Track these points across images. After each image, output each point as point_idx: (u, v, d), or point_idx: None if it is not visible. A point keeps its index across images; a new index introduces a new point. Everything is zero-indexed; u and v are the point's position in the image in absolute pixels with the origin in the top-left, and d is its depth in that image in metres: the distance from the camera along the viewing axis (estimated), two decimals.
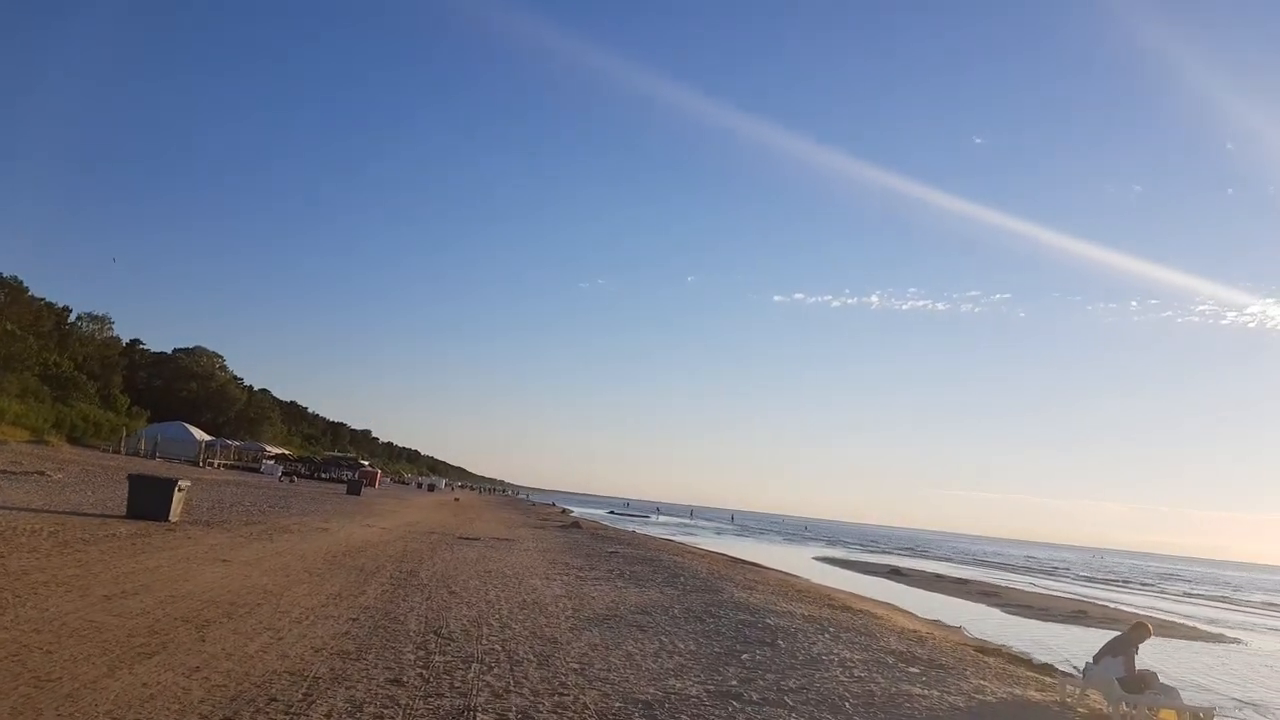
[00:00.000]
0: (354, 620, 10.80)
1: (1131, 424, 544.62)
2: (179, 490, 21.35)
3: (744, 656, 11.10)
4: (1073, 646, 21.81)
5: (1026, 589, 46.35)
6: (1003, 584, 47.86)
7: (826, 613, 17.75)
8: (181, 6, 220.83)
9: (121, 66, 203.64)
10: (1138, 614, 36.32)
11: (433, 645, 9.78)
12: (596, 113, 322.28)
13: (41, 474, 31.93)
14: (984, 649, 17.19)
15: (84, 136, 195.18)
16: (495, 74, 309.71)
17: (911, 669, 11.78)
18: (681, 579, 21.35)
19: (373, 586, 14.12)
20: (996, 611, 30.20)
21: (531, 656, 9.72)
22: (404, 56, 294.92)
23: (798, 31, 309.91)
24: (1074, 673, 13.35)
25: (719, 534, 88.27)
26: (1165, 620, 34.35)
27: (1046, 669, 15.88)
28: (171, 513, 20.96)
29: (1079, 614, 32.24)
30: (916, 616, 23.74)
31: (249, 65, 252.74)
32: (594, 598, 15.77)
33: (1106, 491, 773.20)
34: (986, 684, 11.51)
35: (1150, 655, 19.05)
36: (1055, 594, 44.12)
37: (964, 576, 52.05)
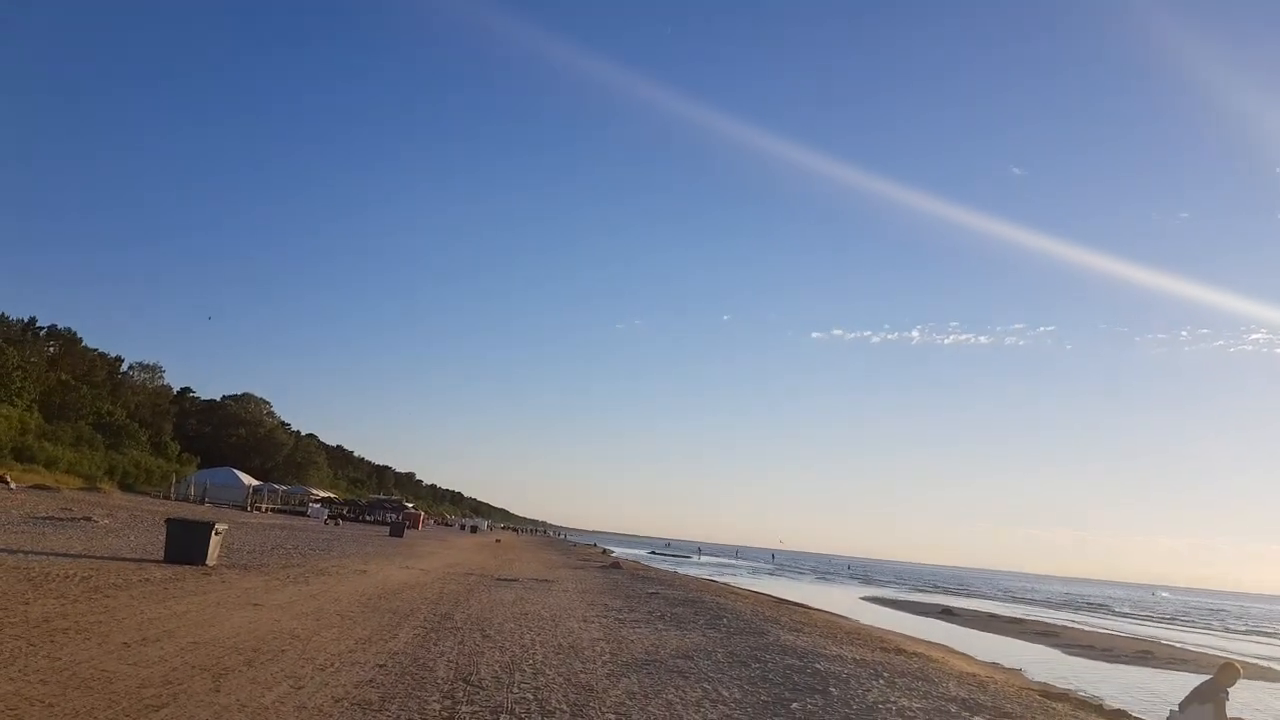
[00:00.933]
0: (380, 667, 10.33)
1: (1183, 456, 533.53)
2: (216, 534, 21.05)
3: (793, 705, 10.43)
4: (1142, 690, 20.88)
5: (1085, 628, 44.86)
6: (1059, 623, 46.45)
7: (879, 656, 17.00)
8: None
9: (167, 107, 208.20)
10: (1205, 653, 35.08)
11: (460, 694, 9.28)
12: (632, 145, 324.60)
13: (89, 520, 31.96)
14: (1049, 693, 16.39)
15: (127, 189, 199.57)
16: (538, 110, 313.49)
17: (976, 718, 11.08)
18: (724, 621, 20.69)
19: (405, 630, 13.67)
20: (1057, 653, 29.09)
21: (565, 707, 9.16)
22: (458, 99, 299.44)
23: (837, 56, 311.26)
24: None
25: (757, 574, 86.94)
26: (1240, 660, 33.04)
27: (1119, 715, 15.11)
28: (209, 556, 20.67)
29: (1144, 654, 31.02)
30: (973, 659, 22.83)
31: (309, 106, 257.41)
32: (633, 641, 15.18)
33: (1157, 525, 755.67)
34: None
35: (1238, 700, 18.24)
36: (1116, 633, 42.68)
37: (1018, 615, 50.80)
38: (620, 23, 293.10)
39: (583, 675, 11.20)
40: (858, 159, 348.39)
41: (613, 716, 8.96)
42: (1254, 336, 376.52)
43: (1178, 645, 38.08)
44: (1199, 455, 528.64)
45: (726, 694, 10.78)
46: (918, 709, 11.12)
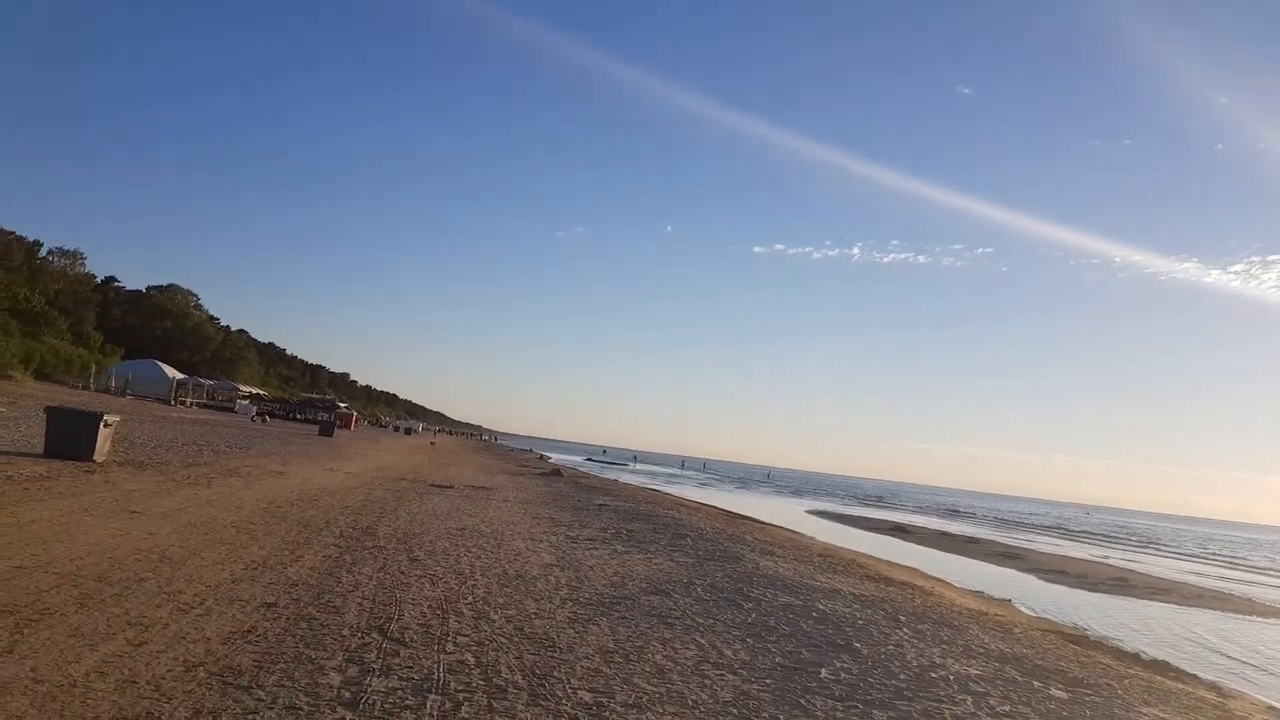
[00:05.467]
0: (269, 607, 7.67)
1: (1109, 381, 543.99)
2: (105, 425, 18.16)
3: (823, 674, 7.85)
4: (1148, 628, 18.96)
5: (1045, 550, 43.53)
6: (1016, 544, 45.06)
7: (873, 589, 14.65)
8: None
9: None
10: (1181, 581, 33.77)
11: (373, 656, 6.61)
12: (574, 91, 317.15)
13: None
14: (1073, 638, 14.19)
15: (60, 75, 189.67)
16: (474, 29, 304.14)
17: (1055, 691, 8.57)
18: (688, 541, 18.27)
19: (313, 550, 10.99)
20: (1032, 579, 27.31)
21: (520, 679, 6.52)
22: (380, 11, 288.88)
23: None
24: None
25: (694, 483, 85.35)
26: (1218, 590, 31.71)
27: (1161, 666, 12.99)
28: (96, 451, 17.83)
29: (1120, 582, 29.46)
30: (959, 589, 20.73)
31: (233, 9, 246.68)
32: (592, 568, 12.63)
33: (1082, 448, 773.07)
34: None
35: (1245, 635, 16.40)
36: (1080, 558, 41.30)
37: (971, 534, 49.52)
38: None
39: (538, 621, 8.58)
40: (793, 106, 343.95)
41: (587, 695, 6.35)
42: (1185, 266, 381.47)
43: (1146, 572, 36.66)
44: (1121, 380, 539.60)
45: (730, 653, 8.19)
46: (976, 675, 8.61)
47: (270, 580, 8.82)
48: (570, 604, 9.68)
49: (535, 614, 8.90)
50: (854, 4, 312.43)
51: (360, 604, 8.32)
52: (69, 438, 17.76)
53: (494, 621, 8.31)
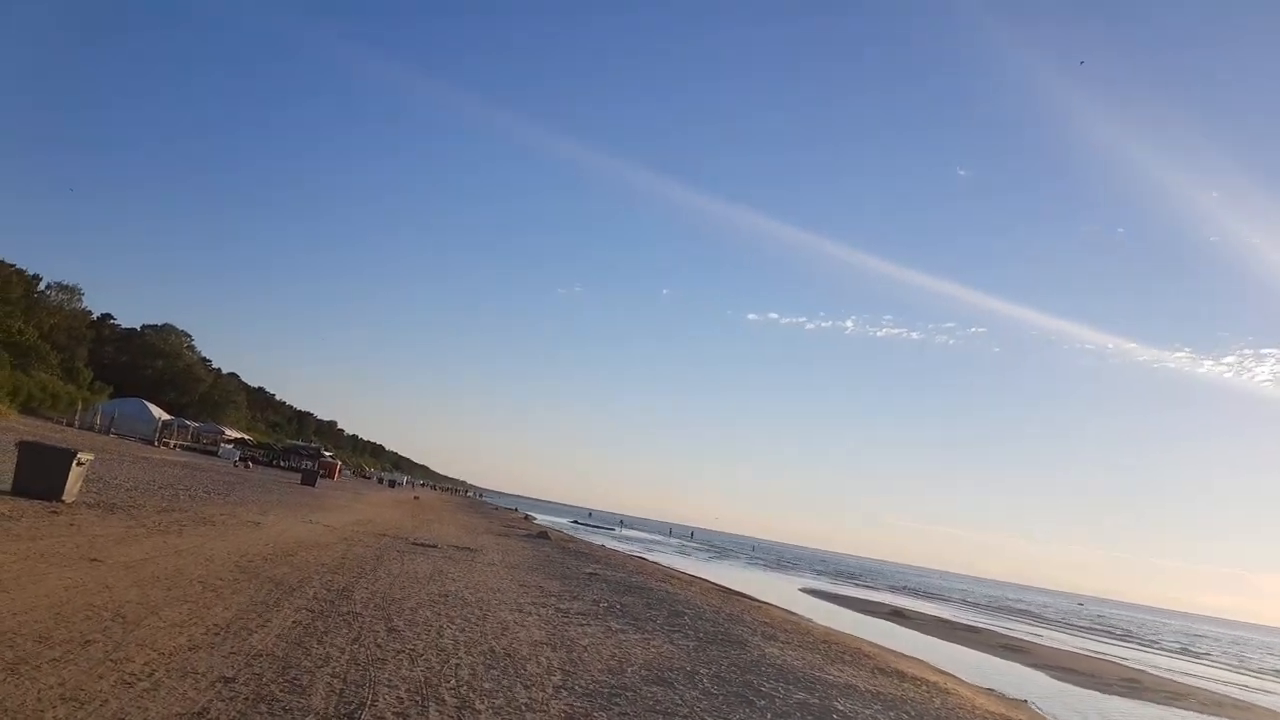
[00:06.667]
0: (226, 683, 6.68)
1: (1099, 468, 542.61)
2: (78, 464, 17.19)
3: None
4: None
5: (1048, 645, 42.16)
6: (1018, 636, 43.77)
7: (888, 685, 13.56)
8: None
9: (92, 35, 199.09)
10: (1195, 685, 32.58)
11: None
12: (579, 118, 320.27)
13: None
14: None
15: (59, 109, 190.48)
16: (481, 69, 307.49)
17: None
18: (685, 619, 17.20)
19: (282, 613, 9.98)
20: (1041, 677, 26.16)
21: None
22: (387, 42, 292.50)
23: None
24: None
25: (683, 552, 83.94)
26: (1238, 698, 30.47)
27: None
28: (66, 491, 16.84)
29: (1133, 683, 28.27)
30: (968, 684, 19.60)
31: (233, 49, 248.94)
32: (586, 649, 11.58)
33: (1070, 534, 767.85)
34: None
35: None
36: (1084, 653, 40.11)
37: (970, 623, 48.21)
38: None
39: (530, 716, 7.55)
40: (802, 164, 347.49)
41: None
42: (1178, 355, 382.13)
43: (1158, 674, 35.44)
44: (1120, 468, 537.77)
45: None
46: None
47: (232, 649, 7.83)
48: (565, 693, 8.65)
49: (526, 705, 7.87)
50: (848, 102, 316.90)
51: (330, 683, 7.33)
52: (39, 475, 16.80)
53: (480, 714, 7.29)
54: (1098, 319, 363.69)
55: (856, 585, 77.60)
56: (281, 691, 6.76)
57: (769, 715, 9.26)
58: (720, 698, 9.77)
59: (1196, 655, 58.22)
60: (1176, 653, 57.67)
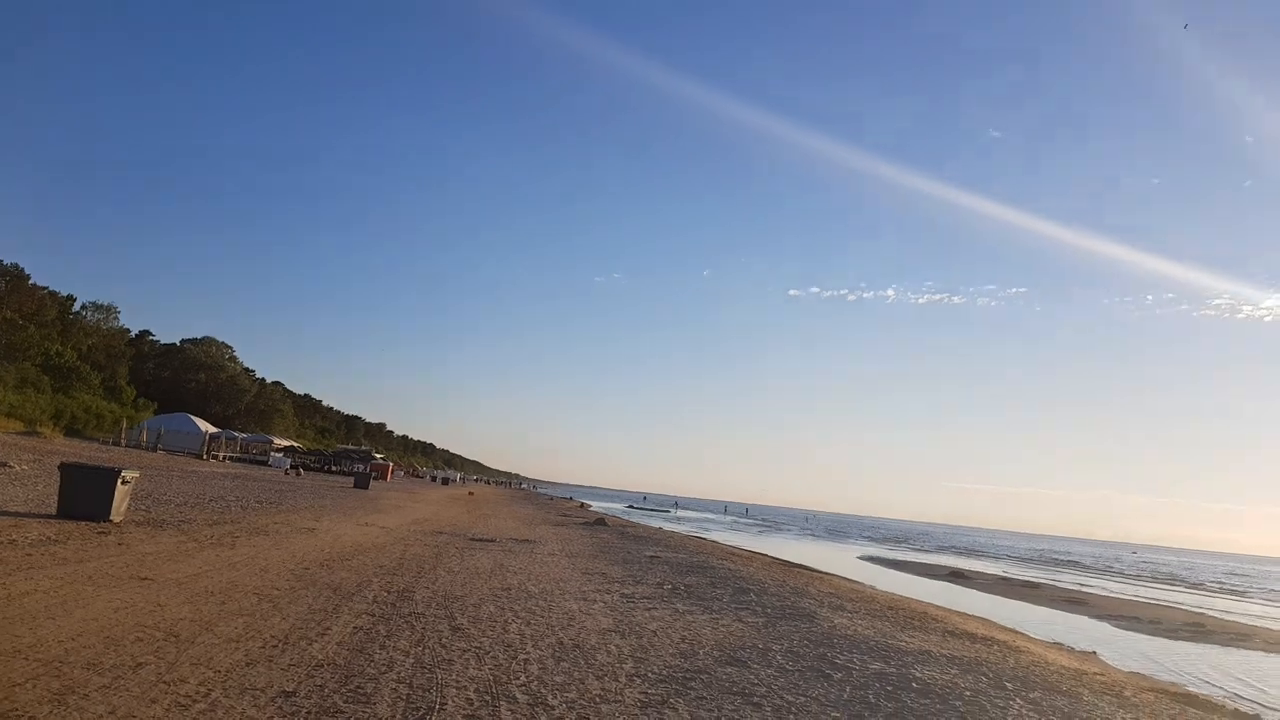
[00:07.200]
0: (287, 697, 6.40)
1: (1146, 417, 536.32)
2: (123, 483, 17.05)
3: None
4: (1243, 680, 17.42)
5: (1106, 594, 41.60)
6: (1077, 588, 43.14)
7: (961, 648, 13.13)
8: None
9: (134, 58, 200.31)
10: (1256, 625, 31.97)
11: None
12: (614, 109, 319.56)
13: (4, 465, 27.87)
14: (1188, 699, 12.74)
15: (94, 128, 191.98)
16: (516, 72, 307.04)
17: None
18: (751, 596, 16.84)
19: (341, 620, 9.72)
20: (1106, 626, 25.71)
21: None
22: (423, 54, 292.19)
23: (817, 27, 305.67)
24: None
25: (739, 529, 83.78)
26: None
27: None
28: (113, 510, 16.71)
29: (1197, 627, 27.75)
30: (1036, 640, 19.17)
31: (266, 63, 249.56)
32: (655, 633, 11.27)
33: (1121, 484, 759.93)
34: None
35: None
36: (1147, 600, 39.52)
37: (1029, 579, 47.59)
38: None
39: (605, 707, 7.21)
40: (832, 127, 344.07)
41: None
42: (1216, 302, 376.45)
43: (1218, 615, 34.86)
44: (1160, 415, 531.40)
45: None
46: None
47: (291, 660, 7.56)
48: (639, 680, 8.32)
49: (600, 696, 7.55)
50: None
51: (395, 689, 7.03)
52: (84, 496, 16.66)
53: (553, 710, 6.97)
54: (1140, 256, 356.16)
55: (910, 549, 77.03)
56: (345, 702, 6.48)
57: (848, 688, 8.88)
58: (796, 674, 9.40)
59: (1252, 596, 57.44)
60: (1240, 595, 56.89)
